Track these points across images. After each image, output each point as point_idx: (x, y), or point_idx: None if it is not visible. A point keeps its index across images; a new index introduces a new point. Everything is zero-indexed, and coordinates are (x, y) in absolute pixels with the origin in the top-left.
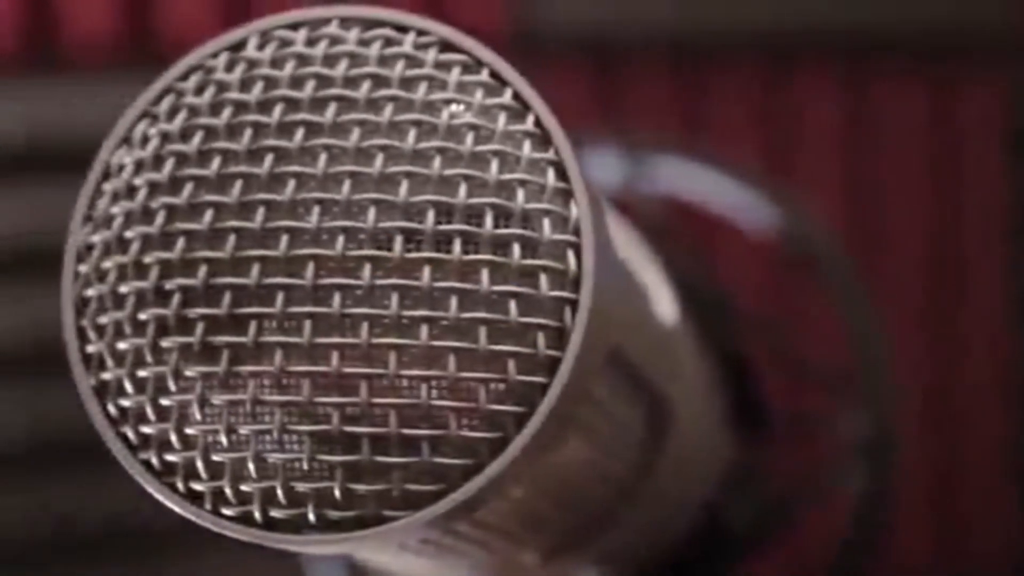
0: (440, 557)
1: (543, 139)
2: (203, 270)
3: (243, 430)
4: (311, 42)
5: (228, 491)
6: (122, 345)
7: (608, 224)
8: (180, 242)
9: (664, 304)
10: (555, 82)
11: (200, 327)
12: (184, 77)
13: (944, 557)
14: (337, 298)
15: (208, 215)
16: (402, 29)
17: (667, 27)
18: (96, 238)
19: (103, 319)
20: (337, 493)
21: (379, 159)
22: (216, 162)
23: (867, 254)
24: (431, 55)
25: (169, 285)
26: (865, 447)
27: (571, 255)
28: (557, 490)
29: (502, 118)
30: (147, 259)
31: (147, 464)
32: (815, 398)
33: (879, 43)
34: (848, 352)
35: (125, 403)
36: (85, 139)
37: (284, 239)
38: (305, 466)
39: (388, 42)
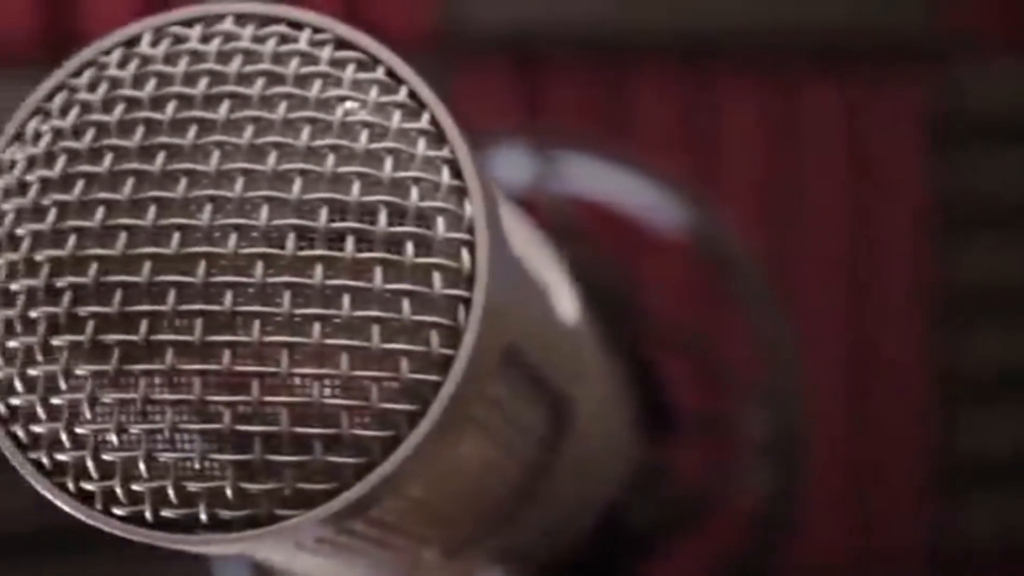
0: (337, 556)
1: (438, 137)
2: (94, 268)
3: (134, 429)
4: (205, 38)
5: (119, 491)
6: (12, 343)
7: (505, 222)
8: (71, 240)
9: (566, 304)
10: (480, 81)
11: (91, 325)
12: (77, 73)
13: (860, 556)
14: (229, 296)
15: (99, 212)
16: (297, 26)
17: (592, 27)
18: None
19: None
20: (229, 492)
21: (272, 156)
22: (108, 159)
23: (787, 254)
24: (326, 52)
25: (60, 283)
26: (770, 447)
27: (465, 253)
28: (455, 489)
29: (397, 116)
30: (38, 257)
31: (37, 464)
32: (725, 399)
33: (800, 44)
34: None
35: (15, 402)
36: None
37: (176, 237)
38: (197, 465)
39: (283, 39)
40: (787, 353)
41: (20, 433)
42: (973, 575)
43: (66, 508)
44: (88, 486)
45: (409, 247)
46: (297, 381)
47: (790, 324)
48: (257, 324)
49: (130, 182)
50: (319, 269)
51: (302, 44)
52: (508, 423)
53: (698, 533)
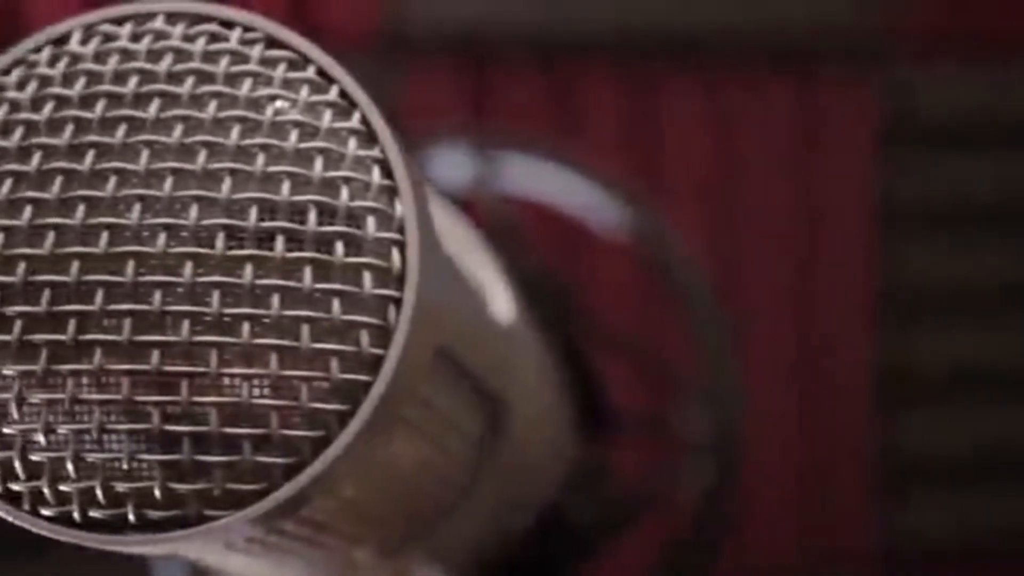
0: (268, 555)
1: (369, 136)
2: (22, 267)
3: (61, 429)
4: (136, 37)
5: (47, 491)
6: None
7: (437, 222)
8: None
9: (502, 303)
10: (426, 81)
11: (18, 325)
12: (6, 71)
13: (810, 556)
14: (158, 296)
15: (27, 212)
16: (228, 25)
17: (539, 27)
18: None
19: None
20: (157, 493)
21: (202, 156)
22: (36, 158)
23: (734, 255)
24: (256, 51)
25: None
26: (708, 447)
27: (396, 253)
28: (387, 488)
29: (327, 115)
30: None
31: None
32: (665, 398)
33: (748, 45)
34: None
35: None
36: None
37: (104, 236)
38: (125, 465)
39: (213, 38)
40: (726, 353)
41: None
42: (922, 574)
43: None
44: (15, 487)
45: (339, 247)
46: (226, 381)
47: (730, 324)
48: (186, 324)
49: (59, 181)
50: (249, 269)
51: (232, 43)
52: (441, 423)
53: (637, 532)
